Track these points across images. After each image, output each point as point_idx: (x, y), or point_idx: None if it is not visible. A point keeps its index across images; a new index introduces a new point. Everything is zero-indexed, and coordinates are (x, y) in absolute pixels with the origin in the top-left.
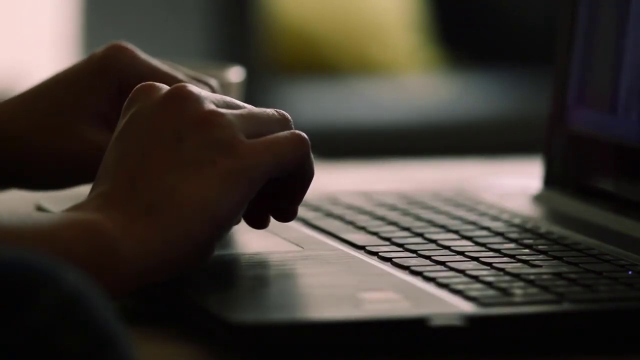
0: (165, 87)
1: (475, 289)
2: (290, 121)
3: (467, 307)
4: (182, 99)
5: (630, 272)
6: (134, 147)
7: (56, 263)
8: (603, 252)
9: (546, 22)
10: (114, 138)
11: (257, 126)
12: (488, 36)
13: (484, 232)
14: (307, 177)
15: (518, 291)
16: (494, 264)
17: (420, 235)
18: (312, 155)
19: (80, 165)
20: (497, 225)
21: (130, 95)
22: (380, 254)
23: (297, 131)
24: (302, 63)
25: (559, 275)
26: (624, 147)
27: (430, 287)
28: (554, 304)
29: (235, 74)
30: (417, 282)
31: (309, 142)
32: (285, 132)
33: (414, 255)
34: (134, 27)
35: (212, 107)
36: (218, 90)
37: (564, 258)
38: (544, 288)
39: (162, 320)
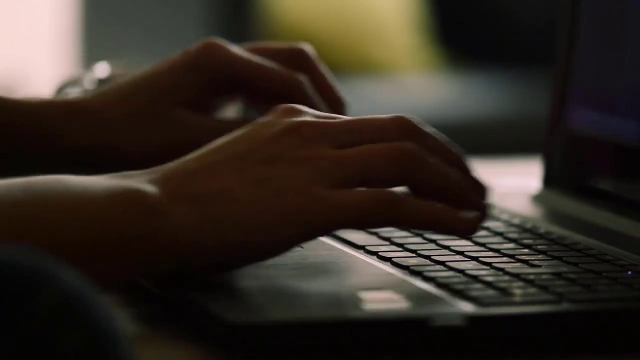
0: (305, 112)
1: (475, 289)
2: (409, 159)
3: (467, 307)
4: (299, 133)
5: (629, 272)
6: (223, 148)
7: (54, 263)
8: (603, 252)
9: (546, 22)
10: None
11: (360, 173)
12: (488, 36)
13: (484, 232)
14: (409, 226)
15: (518, 291)
16: (493, 264)
17: (420, 235)
18: (409, 209)
19: (174, 150)
20: (496, 226)
21: (274, 109)
22: (380, 254)
23: (387, 191)
24: None
25: (558, 275)
26: (624, 148)
27: (430, 287)
28: (553, 304)
29: None
30: (417, 282)
31: (400, 202)
32: (375, 191)
33: (414, 255)
34: (134, 26)
35: (322, 151)
36: (312, 54)
37: (564, 258)
38: (544, 288)
39: (162, 320)
